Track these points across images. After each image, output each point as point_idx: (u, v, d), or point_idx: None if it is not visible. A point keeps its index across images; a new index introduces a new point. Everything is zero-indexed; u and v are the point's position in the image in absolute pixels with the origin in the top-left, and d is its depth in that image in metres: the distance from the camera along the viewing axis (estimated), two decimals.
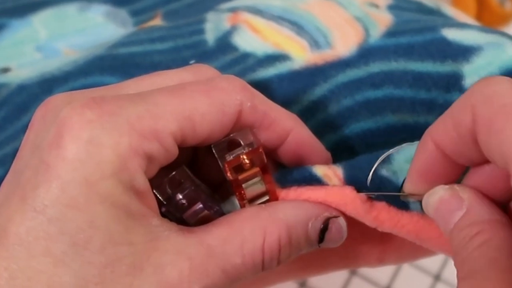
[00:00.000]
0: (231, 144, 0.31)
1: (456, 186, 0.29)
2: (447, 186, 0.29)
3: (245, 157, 0.30)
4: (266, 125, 0.32)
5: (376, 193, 0.32)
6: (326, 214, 0.31)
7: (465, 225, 0.28)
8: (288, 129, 0.32)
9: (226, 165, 0.30)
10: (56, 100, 0.29)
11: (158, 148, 0.28)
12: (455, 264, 0.27)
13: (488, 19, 0.70)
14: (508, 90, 0.26)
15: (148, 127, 0.28)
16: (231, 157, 0.30)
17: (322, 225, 0.31)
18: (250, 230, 0.29)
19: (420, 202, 0.31)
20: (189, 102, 0.29)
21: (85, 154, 0.27)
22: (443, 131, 0.28)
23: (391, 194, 0.32)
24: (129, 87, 0.31)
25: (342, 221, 0.32)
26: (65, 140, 0.27)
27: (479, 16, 0.69)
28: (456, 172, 0.29)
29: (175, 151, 0.29)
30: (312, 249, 0.32)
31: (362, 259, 0.39)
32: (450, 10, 0.45)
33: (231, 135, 0.31)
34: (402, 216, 0.32)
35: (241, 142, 0.31)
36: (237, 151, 0.30)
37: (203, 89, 0.30)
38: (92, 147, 0.27)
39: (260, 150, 0.30)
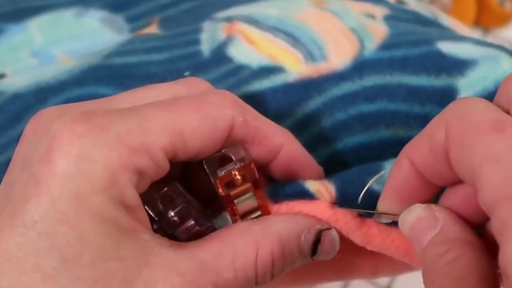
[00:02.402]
0: (222, 160, 0.31)
1: (433, 206, 0.29)
2: (424, 205, 0.30)
3: (236, 172, 0.30)
4: (258, 140, 0.32)
5: (353, 210, 0.32)
6: (319, 226, 0.31)
7: (437, 243, 0.28)
8: (280, 144, 0.32)
9: (218, 181, 0.30)
10: (47, 114, 0.29)
11: (149, 163, 0.28)
12: (424, 282, 0.28)
13: (488, 19, 0.70)
14: (481, 109, 0.26)
15: (138, 142, 0.28)
16: (223, 172, 0.30)
17: (314, 238, 0.31)
18: (242, 244, 0.29)
19: (392, 222, 0.31)
20: (181, 117, 0.29)
21: (75, 169, 0.27)
22: (417, 148, 0.29)
23: (368, 212, 0.32)
24: (121, 100, 0.31)
25: (334, 233, 0.32)
26: (55, 155, 0.27)
27: (479, 16, 0.69)
28: (431, 192, 0.30)
29: (166, 166, 0.29)
30: (305, 262, 0.32)
31: (355, 271, 0.39)
32: (447, 20, 0.45)
33: (223, 150, 0.31)
34: (391, 231, 0.32)
35: (233, 157, 0.31)
36: (229, 166, 0.30)
37: (194, 103, 0.30)
38: (82, 162, 0.27)
39: (252, 165, 0.30)
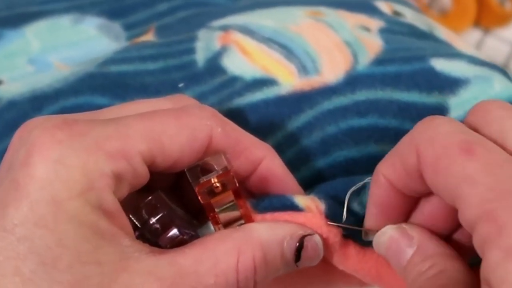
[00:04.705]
0: (205, 169, 0.31)
1: (403, 225, 0.31)
2: (395, 226, 0.31)
3: (216, 180, 0.30)
4: (238, 151, 0.32)
5: (343, 225, 0.32)
6: (301, 232, 0.31)
7: (418, 261, 0.29)
8: (260, 156, 0.33)
9: (197, 188, 0.30)
10: (34, 122, 0.30)
11: (127, 167, 0.29)
12: None
13: (488, 19, 0.69)
14: (448, 131, 0.28)
15: (115, 147, 0.28)
16: (204, 180, 0.31)
17: (297, 244, 0.31)
18: (223, 250, 0.29)
19: (367, 242, 0.32)
20: (159, 125, 0.30)
21: (53, 174, 0.27)
22: (391, 167, 0.30)
23: (356, 228, 0.32)
24: (107, 113, 0.31)
25: (317, 238, 0.32)
26: (34, 159, 0.27)
27: (479, 16, 0.68)
28: (410, 204, 0.31)
29: (145, 172, 0.30)
30: (290, 269, 0.32)
31: (343, 281, 0.39)
32: (443, 33, 0.45)
33: (205, 159, 0.31)
34: (366, 252, 0.32)
35: (215, 166, 0.31)
36: (210, 175, 0.31)
37: (173, 113, 0.30)
38: (60, 167, 0.27)
39: (231, 173, 0.31)
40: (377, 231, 0.31)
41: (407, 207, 0.31)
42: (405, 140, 0.29)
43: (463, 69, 0.37)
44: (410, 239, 0.30)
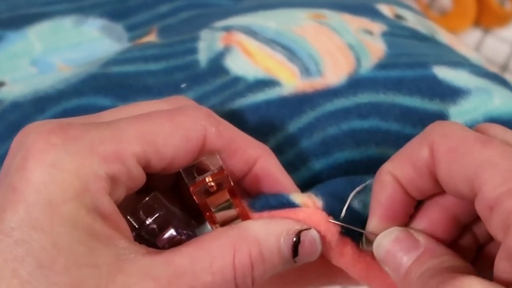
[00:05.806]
0: (200, 168, 0.31)
1: (409, 229, 0.32)
2: (401, 228, 0.32)
3: (210, 179, 0.31)
4: (232, 151, 0.32)
5: (345, 225, 0.32)
6: (298, 227, 0.31)
7: (426, 259, 0.30)
8: (255, 156, 0.33)
9: (192, 188, 0.31)
10: (31, 128, 0.30)
11: (121, 169, 0.29)
12: None
13: (488, 19, 0.70)
14: (462, 128, 0.30)
15: (110, 149, 0.29)
16: (200, 179, 0.31)
17: (294, 239, 0.31)
18: (219, 247, 0.30)
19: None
20: (152, 126, 0.30)
21: (48, 177, 0.27)
22: (400, 166, 0.31)
23: (359, 230, 0.32)
24: (104, 116, 0.32)
25: (314, 233, 0.32)
26: (29, 164, 0.28)
27: (479, 16, 0.69)
28: (412, 207, 0.32)
29: (140, 174, 0.30)
30: (289, 265, 0.32)
31: (341, 275, 0.39)
32: (444, 37, 0.45)
33: (200, 159, 0.31)
34: (361, 251, 0.33)
35: (210, 166, 0.31)
36: (205, 175, 0.31)
37: (166, 115, 0.31)
38: (54, 170, 0.27)
39: (225, 172, 0.31)
40: (377, 235, 0.32)
41: (409, 211, 0.32)
42: (416, 139, 0.31)
43: (465, 79, 0.38)
44: (416, 241, 0.31)
